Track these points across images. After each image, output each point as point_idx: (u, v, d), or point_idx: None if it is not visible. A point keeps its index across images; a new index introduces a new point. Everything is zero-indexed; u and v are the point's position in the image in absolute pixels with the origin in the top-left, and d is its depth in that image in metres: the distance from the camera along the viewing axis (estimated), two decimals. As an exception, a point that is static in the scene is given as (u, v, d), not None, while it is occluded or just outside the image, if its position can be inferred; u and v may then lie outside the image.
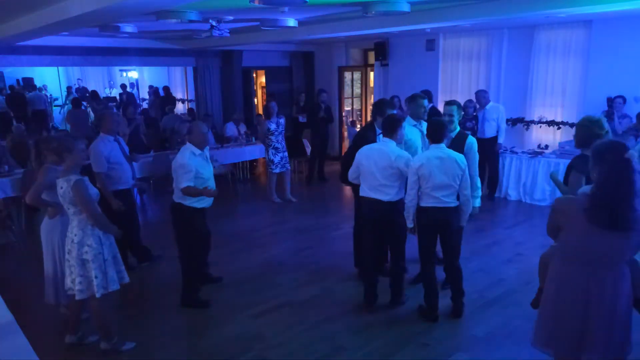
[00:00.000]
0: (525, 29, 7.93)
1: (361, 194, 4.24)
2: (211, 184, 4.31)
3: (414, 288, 4.60)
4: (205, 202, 4.31)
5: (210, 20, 6.08)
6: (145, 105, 14.41)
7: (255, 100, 12.94)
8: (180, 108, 13.18)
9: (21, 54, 8.69)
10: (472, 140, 4.37)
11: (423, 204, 3.92)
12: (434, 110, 7.18)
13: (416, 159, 3.91)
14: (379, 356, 3.68)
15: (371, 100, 10.96)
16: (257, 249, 5.90)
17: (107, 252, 3.55)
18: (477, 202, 4.37)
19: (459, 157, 3.90)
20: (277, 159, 7.66)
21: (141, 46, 9.42)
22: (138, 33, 7.14)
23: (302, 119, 10.09)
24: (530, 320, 3.09)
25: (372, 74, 10.92)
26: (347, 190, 7.90)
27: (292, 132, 10.13)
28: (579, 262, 2.52)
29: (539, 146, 7.88)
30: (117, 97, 14.82)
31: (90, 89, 15.25)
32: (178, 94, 13.59)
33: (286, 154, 7.82)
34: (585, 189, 2.49)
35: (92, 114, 12.67)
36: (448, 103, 4.67)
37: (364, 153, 4.16)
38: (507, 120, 8.04)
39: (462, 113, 4.90)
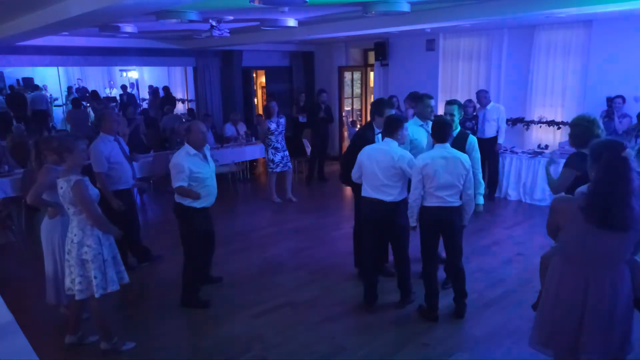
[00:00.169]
0: (525, 29, 7.93)
1: (363, 194, 4.23)
2: (211, 183, 4.30)
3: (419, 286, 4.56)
4: (205, 202, 4.29)
5: (210, 20, 6.09)
6: (145, 105, 14.41)
7: (255, 100, 12.94)
8: (180, 108, 13.18)
9: (21, 54, 8.69)
10: (473, 140, 4.44)
11: (426, 203, 3.93)
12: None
13: (420, 159, 3.90)
14: (379, 356, 3.68)
15: (371, 100, 10.94)
16: (257, 249, 5.90)
17: (106, 253, 3.54)
18: (481, 200, 4.42)
19: (464, 157, 3.90)
20: (277, 158, 7.66)
21: (141, 46, 9.41)
22: (138, 33, 7.14)
23: (302, 119, 10.09)
24: (530, 320, 3.09)
25: (372, 74, 10.92)
26: (347, 190, 7.90)
27: (292, 132, 10.12)
28: (578, 262, 2.52)
29: (539, 146, 7.88)
30: (118, 98, 14.82)
31: (90, 89, 15.25)
32: (178, 94, 13.58)
33: (287, 153, 7.82)
34: (583, 188, 2.49)
35: (92, 114, 12.67)
36: (449, 102, 4.71)
37: (366, 153, 4.15)
38: (507, 120, 8.04)
39: (462, 113, 4.91)
